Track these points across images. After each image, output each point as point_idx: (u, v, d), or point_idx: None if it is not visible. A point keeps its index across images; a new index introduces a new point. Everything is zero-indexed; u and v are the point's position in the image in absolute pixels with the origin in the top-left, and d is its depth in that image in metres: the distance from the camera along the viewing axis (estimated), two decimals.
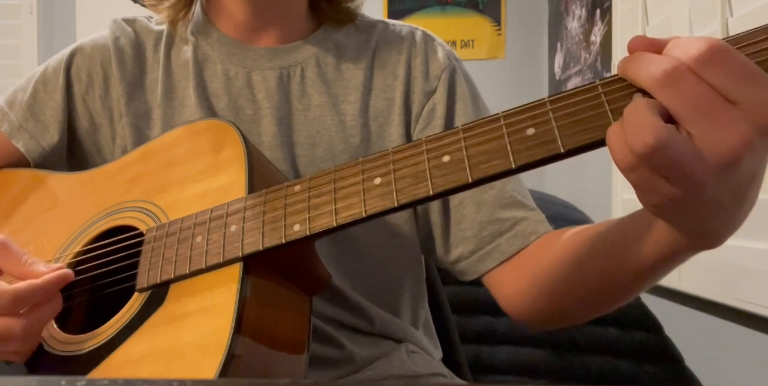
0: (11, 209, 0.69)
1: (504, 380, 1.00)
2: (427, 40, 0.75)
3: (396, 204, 0.45)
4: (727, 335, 1.15)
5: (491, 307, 0.99)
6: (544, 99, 0.42)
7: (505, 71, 2.69)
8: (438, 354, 0.80)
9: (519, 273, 0.63)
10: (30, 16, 2.59)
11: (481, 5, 2.72)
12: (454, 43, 2.71)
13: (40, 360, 0.54)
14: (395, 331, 0.72)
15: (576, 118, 0.40)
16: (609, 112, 0.40)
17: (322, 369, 0.65)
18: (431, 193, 0.44)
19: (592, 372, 0.96)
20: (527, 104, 0.43)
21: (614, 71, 1.54)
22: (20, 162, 0.72)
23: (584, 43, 2.10)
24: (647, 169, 0.37)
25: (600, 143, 0.40)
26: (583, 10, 2.12)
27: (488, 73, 2.64)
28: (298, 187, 0.50)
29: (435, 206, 0.68)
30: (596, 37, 1.97)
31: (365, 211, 0.46)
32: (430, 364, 0.73)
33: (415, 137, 0.70)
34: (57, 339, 0.55)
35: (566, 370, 0.99)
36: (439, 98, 0.71)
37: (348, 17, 0.76)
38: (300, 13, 0.74)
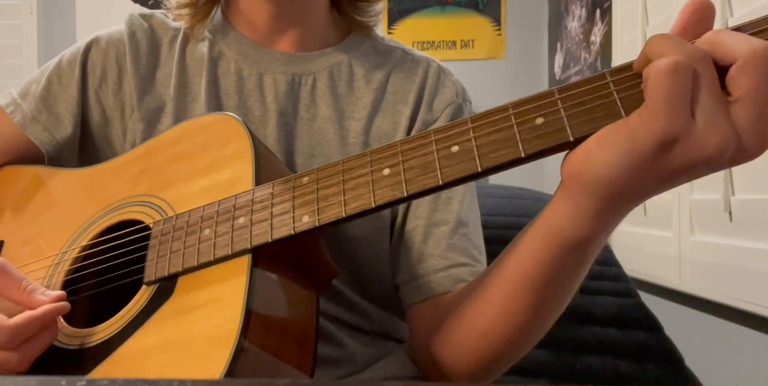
0: (17, 205, 0.69)
1: (504, 380, 1.00)
2: (441, 73, 0.75)
3: (405, 195, 0.45)
4: (727, 335, 1.15)
5: None
6: (552, 89, 0.43)
7: (505, 71, 2.69)
8: None
9: (436, 314, 0.62)
10: (30, 16, 2.59)
11: (481, 5, 2.72)
12: (454, 43, 2.71)
13: (47, 353, 0.53)
14: (396, 330, 0.72)
15: (585, 107, 0.41)
16: (618, 101, 0.40)
17: (322, 368, 0.65)
18: (440, 182, 0.44)
19: (592, 372, 0.96)
20: (536, 94, 0.43)
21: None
22: (33, 154, 0.71)
23: (584, 43, 2.10)
24: (688, 74, 0.37)
25: None
26: (583, 10, 2.12)
27: (488, 73, 2.64)
28: (306, 179, 0.50)
29: (398, 226, 0.68)
30: (596, 37, 1.97)
31: (374, 202, 0.46)
32: None
33: None
34: (64, 332, 0.55)
35: (566, 370, 0.99)
36: None
37: (368, 28, 0.75)
38: (320, 20, 0.74)
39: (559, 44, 2.46)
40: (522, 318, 0.52)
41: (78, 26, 2.62)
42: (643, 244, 1.46)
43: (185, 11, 0.72)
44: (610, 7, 1.79)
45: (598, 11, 1.96)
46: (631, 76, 0.40)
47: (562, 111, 0.41)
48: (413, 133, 0.71)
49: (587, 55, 2.06)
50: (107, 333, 0.52)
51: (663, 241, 1.32)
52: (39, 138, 0.70)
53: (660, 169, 0.39)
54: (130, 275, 0.56)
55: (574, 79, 2.39)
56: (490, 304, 0.53)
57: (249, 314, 0.45)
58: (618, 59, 1.70)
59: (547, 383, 0.99)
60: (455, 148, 0.44)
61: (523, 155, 0.42)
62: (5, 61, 2.52)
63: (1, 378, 0.25)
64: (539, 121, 0.42)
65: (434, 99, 0.73)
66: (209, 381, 0.31)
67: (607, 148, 0.40)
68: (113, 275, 0.58)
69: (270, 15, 0.71)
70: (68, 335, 0.55)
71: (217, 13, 0.74)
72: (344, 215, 0.47)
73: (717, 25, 1.15)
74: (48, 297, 0.52)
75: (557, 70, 2.47)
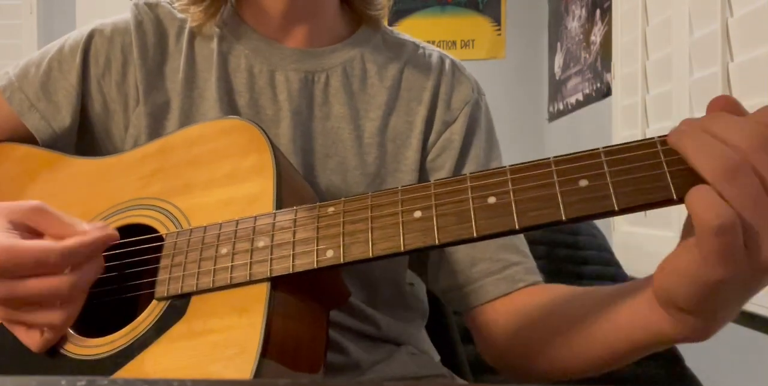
0: (17, 187, 0.65)
1: (504, 380, 1.00)
2: (455, 70, 0.74)
3: (437, 243, 0.44)
4: (727, 335, 1.15)
5: None
6: (598, 149, 0.41)
7: (505, 71, 2.69)
8: (436, 355, 0.80)
9: (497, 317, 0.63)
10: (30, 16, 2.59)
11: (481, 5, 2.73)
12: (454, 43, 2.71)
13: (51, 359, 0.52)
14: (399, 335, 0.72)
15: (632, 176, 0.40)
16: (668, 175, 0.39)
17: (326, 375, 0.64)
18: (475, 235, 0.43)
19: None
20: (579, 152, 0.42)
21: (614, 71, 1.54)
22: (28, 140, 0.68)
23: (584, 43, 2.10)
24: (739, 230, 0.37)
25: (656, 205, 0.39)
26: (583, 10, 2.12)
27: (488, 73, 2.63)
28: (331, 209, 0.48)
29: None
30: (596, 37, 1.97)
31: (404, 246, 0.44)
32: (431, 365, 0.73)
33: (428, 165, 0.70)
34: (69, 339, 0.53)
35: None
36: (458, 130, 0.70)
37: (377, 20, 0.74)
38: (332, 14, 0.72)
39: (559, 44, 2.46)
40: (602, 368, 0.55)
41: (78, 26, 2.62)
42: (643, 244, 1.46)
43: (194, 8, 0.69)
44: (610, 7, 1.80)
45: (598, 11, 1.96)
46: None
47: (608, 176, 0.40)
48: (432, 135, 0.70)
49: (587, 55, 2.07)
50: (115, 347, 0.51)
51: (663, 241, 1.32)
52: (36, 126, 0.68)
53: (740, 289, 0.40)
54: (139, 284, 0.55)
55: (574, 79, 2.38)
56: (574, 354, 0.55)
57: (266, 346, 0.45)
58: (618, 59, 1.70)
59: (547, 383, 0.99)
60: (492, 200, 0.43)
61: (564, 219, 0.40)
62: (5, 61, 2.52)
63: (2, 379, 0.25)
64: (583, 183, 0.41)
65: (452, 97, 0.72)
66: (209, 381, 0.31)
67: (675, 282, 0.41)
68: (121, 284, 0.56)
69: (283, 9, 0.69)
70: (73, 342, 0.53)
71: (227, 7, 0.72)
72: (371, 255, 0.45)
73: (717, 25, 1.14)
74: (94, 226, 0.51)
75: (557, 70, 2.48)
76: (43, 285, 0.48)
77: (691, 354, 0.93)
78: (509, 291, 0.63)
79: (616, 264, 1.12)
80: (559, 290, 0.60)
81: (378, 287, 0.69)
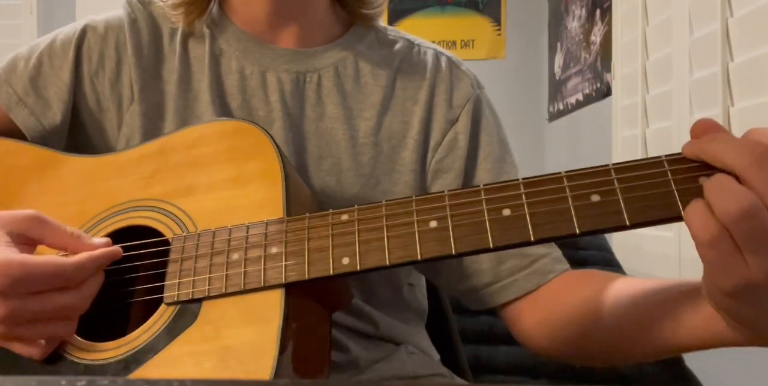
0: (10, 184, 0.64)
1: (504, 380, 1.00)
2: (453, 67, 0.73)
3: (453, 253, 0.45)
4: None
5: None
6: (608, 166, 0.43)
7: (505, 71, 2.69)
8: (436, 355, 0.80)
9: (535, 309, 0.63)
10: (30, 16, 2.59)
11: (481, 5, 2.73)
12: (454, 43, 2.71)
13: (57, 365, 0.52)
14: (398, 334, 0.72)
15: (642, 193, 0.42)
16: (675, 193, 0.41)
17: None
18: (491, 246, 0.44)
19: (592, 372, 0.96)
20: (589, 168, 0.44)
21: (614, 71, 1.54)
22: (16, 135, 0.67)
23: (584, 43, 2.10)
24: (729, 242, 0.38)
25: (665, 220, 0.41)
26: (583, 10, 2.12)
27: (488, 73, 2.62)
28: (345, 217, 0.49)
29: None
30: (596, 37, 1.97)
31: (420, 254, 0.46)
32: (430, 364, 0.73)
33: (434, 166, 0.69)
34: (73, 344, 0.52)
35: (566, 370, 0.99)
36: (462, 128, 0.69)
37: (371, 19, 0.74)
38: (322, 13, 0.72)
39: (559, 44, 2.46)
40: (638, 358, 0.56)
41: None
42: (643, 244, 1.46)
43: (180, 10, 0.69)
44: (610, 7, 1.79)
45: (598, 11, 1.96)
46: (690, 168, 0.41)
47: (618, 192, 0.42)
48: (435, 135, 0.69)
49: (587, 55, 2.07)
50: (123, 352, 0.50)
51: (663, 241, 1.32)
52: (25, 122, 0.66)
53: (763, 294, 0.40)
54: (146, 288, 0.54)
55: (574, 79, 2.37)
56: (623, 350, 0.55)
57: (282, 352, 0.45)
58: (618, 59, 1.70)
59: (547, 383, 0.99)
60: (506, 212, 0.44)
61: (577, 232, 0.42)
62: None
63: (2, 378, 0.25)
64: (595, 198, 0.42)
65: (452, 95, 0.71)
66: (209, 381, 0.31)
67: (705, 292, 0.42)
68: (125, 289, 0.55)
69: (268, 11, 0.69)
70: (78, 347, 0.52)
71: (214, 7, 0.71)
72: (387, 263, 0.46)
73: (717, 25, 1.14)
74: (99, 241, 0.53)
75: (557, 70, 2.48)
76: (58, 300, 0.48)
77: (691, 354, 0.93)
78: (541, 283, 0.63)
79: (617, 264, 1.12)
80: (599, 279, 0.59)
81: (375, 287, 0.69)
